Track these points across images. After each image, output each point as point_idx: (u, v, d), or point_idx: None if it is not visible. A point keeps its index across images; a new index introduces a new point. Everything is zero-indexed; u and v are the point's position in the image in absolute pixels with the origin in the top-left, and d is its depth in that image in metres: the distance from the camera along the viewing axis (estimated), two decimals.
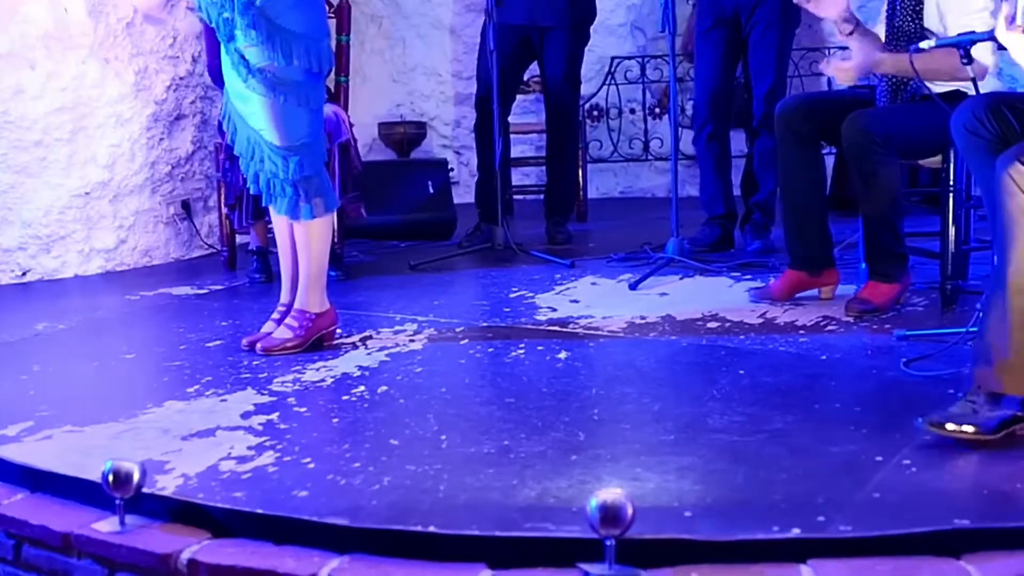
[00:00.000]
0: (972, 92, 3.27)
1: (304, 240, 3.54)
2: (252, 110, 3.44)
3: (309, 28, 3.43)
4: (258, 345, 3.50)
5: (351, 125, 4.69)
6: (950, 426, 2.49)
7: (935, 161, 3.83)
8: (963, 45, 3.18)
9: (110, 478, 2.29)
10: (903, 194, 3.83)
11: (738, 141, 6.35)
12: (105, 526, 2.33)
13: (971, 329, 3.11)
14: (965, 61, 3.17)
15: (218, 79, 4.82)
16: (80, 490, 2.47)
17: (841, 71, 3.69)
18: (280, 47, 3.36)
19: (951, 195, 3.73)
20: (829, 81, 6.76)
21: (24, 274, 4.94)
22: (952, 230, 3.75)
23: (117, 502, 2.32)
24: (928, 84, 3.55)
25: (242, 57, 3.38)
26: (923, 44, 3.27)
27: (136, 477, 2.29)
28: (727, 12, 4.82)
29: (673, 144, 4.87)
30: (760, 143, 4.88)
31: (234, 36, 3.38)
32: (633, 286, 4.29)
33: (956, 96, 3.51)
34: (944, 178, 3.75)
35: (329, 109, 4.61)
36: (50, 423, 2.89)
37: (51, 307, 4.31)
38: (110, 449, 2.62)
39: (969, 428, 2.49)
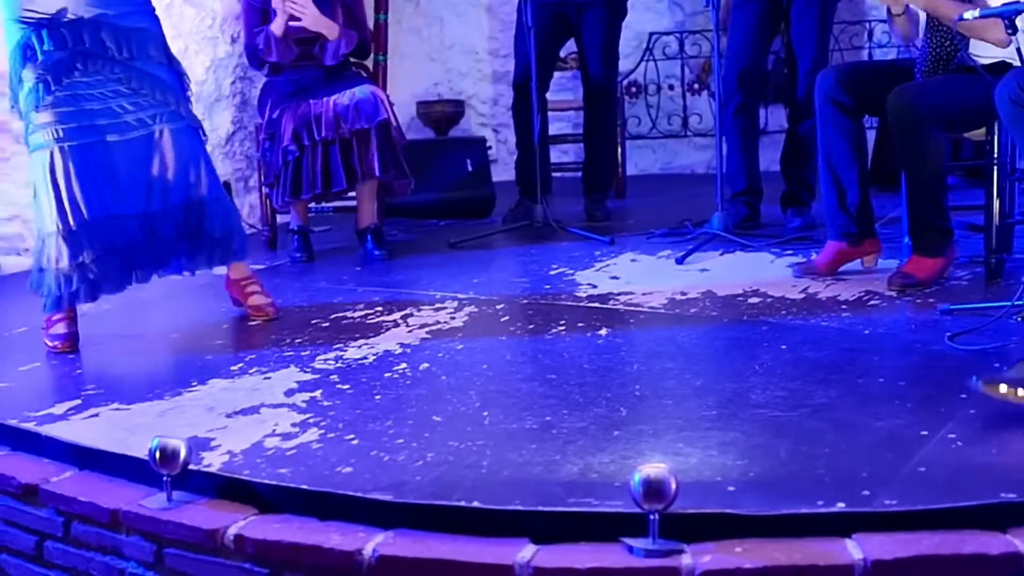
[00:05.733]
0: (1017, 63, 3.23)
1: None
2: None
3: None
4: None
5: (391, 104, 4.69)
6: (1004, 388, 2.48)
7: (979, 134, 3.79)
8: (1007, 15, 3.14)
9: (157, 455, 2.31)
10: (947, 167, 3.79)
11: (779, 117, 6.32)
12: (153, 503, 2.35)
13: (1017, 303, 3.09)
14: (1011, 31, 3.13)
15: (255, 60, 4.85)
16: (127, 467, 2.50)
17: None
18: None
19: (995, 168, 3.70)
20: (870, 54, 6.72)
21: None
22: (996, 203, 3.71)
23: (164, 479, 2.34)
24: (973, 55, 3.52)
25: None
26: (967, 14, 3.23)
27: (183, 454, 2.32)
28: None
29: (717, 119, 4.84)
30: (806, 120, 4.82)
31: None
32: (680, 260, 4.28)
33: (1000, 68, 3.47)
34: (988, 151, 3.71)
35: (367, 89, 4.63)
36: (97, 402, 2.92)
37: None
38: (156, 427, 2.65)
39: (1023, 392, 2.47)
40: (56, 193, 3.36)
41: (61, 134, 3.36)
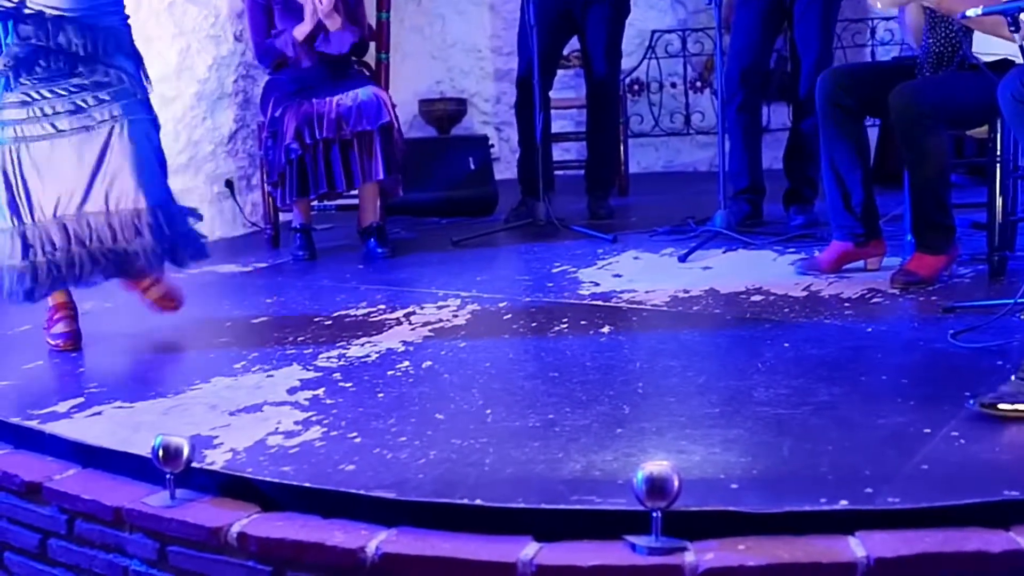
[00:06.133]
0: (1020, 60, 3.23)
1: None
2: None
3: None
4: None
5: (393, 106, 4.69)
6: (1003, 406, 2.47)
7: (982, 131, 3.79)
8: (1010, 13, 3.13)
9: (160, 453, 2.31)
10: (950, 165, 3.79)
11: (781, 114, 6.32)
12: (156, 500, 2.35)
13: (1020, 300, 3.09)
14: (1013, 29, 3.13)
15: (264, 58, 4.86)
16: (131, 465, 2.50)
17: None
18: None
19: (998, 165, 3.69)
20: (873, 53, 6.71)
21: None
22: (999, 200, 3.71)
23: (167, 477, 2.34)
24: (975, 53, 3.51)
25: None
26: (970, 12, 3.23)
27: (186, 452, 2.32)
28: None
29: (720, 116, 4.84)
30: (808, 117, 4.81)
31: None
32: (683, 258, 4.28)
33: (1003, 65, 3.46)
34: (991, 148, 3.71)
35: (370, 91, 4.64)
36: (100, 399, 2.92)
37: (99, 287, 4.33)
38: (159, 425, 2.65)
39: (1022, 406, 2.46)
40: (10, 190, 3.31)
41: (21, 132, 3.31)
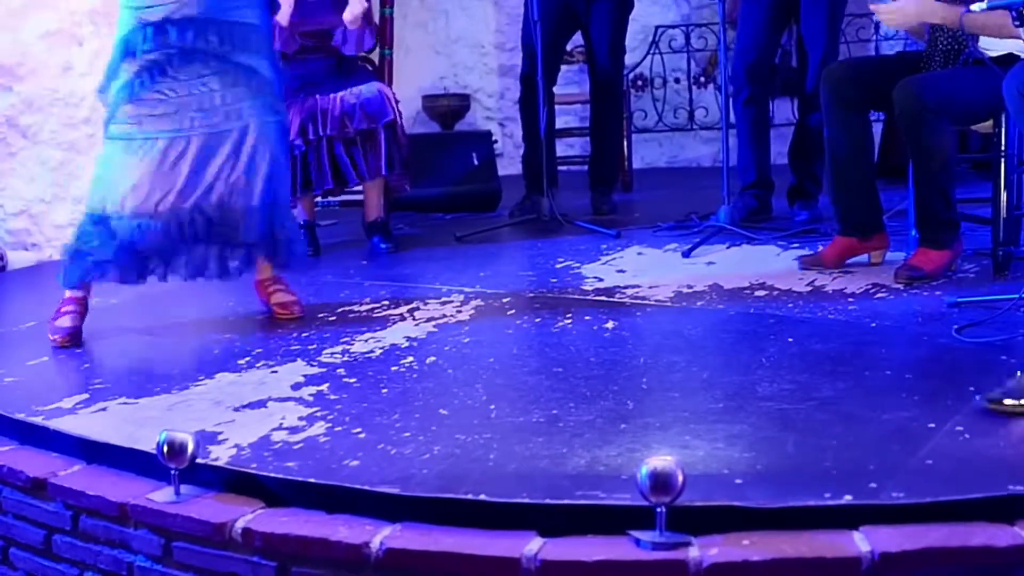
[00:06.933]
0: None
1: None
2: None
3: None
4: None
5: (397, 102, 4.69)
6: (1009, 402, 2.47)
7: (986, 126, 3.79)
8: (1016, 7, 3.13)
9: (165, 449, 2.32)
10: (955, 160, 3.78)
11: (785, 109, 6.31)
12: (160, 496, 2.36)
13: None
14: (1018, 23, 3.12)
15: None
16: (135, 461, 2.50)
17: (887, 12, 3.65)
18: None
19: (1003, 160, 3.69)
20: (877, 48, 6.70)
21: None
22: (1004, 195, 3.70)
23: (172, 472, 2.34)
24: (981, 48, 3.51)
25: None
26: (975, 6, 3.23)
27: (190, 448, 2.32)
28: None
29: (723, 111, 4.84)
30: (814, 112, 4.80)
31: None
32: (686, 254, 4.27)
33: (1008, 60, 3.46)
34: (996, 143, 3.70)
35: (374, 87, 4.63)
36: (104, 395, 2.93)
37: (103, 283, 4.35)
38: (164, 420, 2.65)
39: None
40: (125, 179, 3.37)
41: (147, 130, 3.38)
